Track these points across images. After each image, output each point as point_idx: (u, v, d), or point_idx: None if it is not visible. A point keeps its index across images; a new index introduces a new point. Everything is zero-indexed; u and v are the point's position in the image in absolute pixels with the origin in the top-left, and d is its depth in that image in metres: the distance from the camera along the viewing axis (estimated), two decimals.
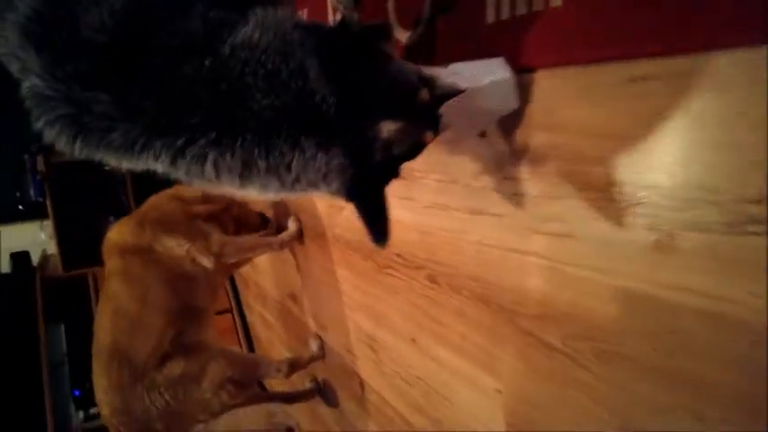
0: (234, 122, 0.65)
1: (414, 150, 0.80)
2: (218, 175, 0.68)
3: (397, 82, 0.75)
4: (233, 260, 1.89)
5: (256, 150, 0.66)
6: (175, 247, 1.74)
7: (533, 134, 0.89)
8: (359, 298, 1.66)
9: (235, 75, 0.64)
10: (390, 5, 1.12)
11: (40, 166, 2.94)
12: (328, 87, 0.68)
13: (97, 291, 3.23)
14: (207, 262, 1.77)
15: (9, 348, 3.10)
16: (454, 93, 0.79)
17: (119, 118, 0.64)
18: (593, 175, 0.80)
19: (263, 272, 2.69)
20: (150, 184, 2.40)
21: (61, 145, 0.69)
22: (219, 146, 0.65)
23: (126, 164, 0.71)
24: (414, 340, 1.37)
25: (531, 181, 0.91)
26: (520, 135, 0.91)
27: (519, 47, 0.86)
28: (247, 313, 3.25)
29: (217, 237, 1.82)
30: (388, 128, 0.73)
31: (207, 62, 0.64)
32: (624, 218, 0.77)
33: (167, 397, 1.58)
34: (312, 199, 1.90)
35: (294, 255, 2.18)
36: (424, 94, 0.76)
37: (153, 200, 1.93)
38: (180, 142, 0.65)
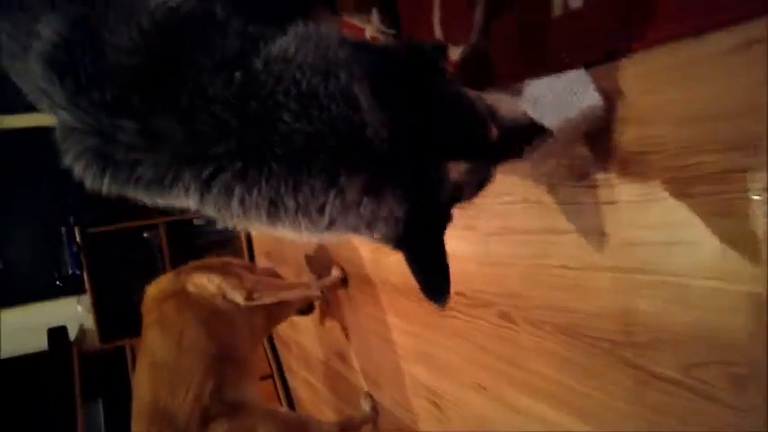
0: (261, 150, 0.56)
1: (477, 190, 0.72)
2: (245, 213, 0.60)
3: (468, 115, 0.66)
4: (267, 300, 1.78)
5: (282, 186, 0.58)
6: (206, 283, 1.68)
7: (622, 129, 0.78)
8: (414, 347, 1.52)
9: (266, 92, 0.56)
10: (436, 19, 1.05)
11: (77, 237, 2.94)
12: (382, 118, 0.57)
13: (135, 363, 3.14)
14: (239, 297, 1.69)
15: (46, 428, 3.00)
16: (531, 129, 0.71)
17: (145, 147, 0.58)
18: (701, 166, 0.68)
19: (305, 330, 2.56)
20: (188, 251, 2.37)
21: (90, 181, 0.63)
22: (245, 178, 0.57)
23: (160, 200, 0.64)
24: (483, 388, 1.22)
25: (623, 185, 0.79)
26: (604, 133, 0.80)
27: (597, 36, 0.76)
28: (289, 378, 3.09)
29: (251, 275, 1.78)
30: (457, 169, 0.65)
31: (237, 76, 0.57)
32: (744, 211, 0.64)
33: None
34: (353, 241, 1.80)
35: (338, 307, 2.06)
36: (493, 129, 0.67)
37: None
38: (206, 174, 0.57)
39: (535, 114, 0.72)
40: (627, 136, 0.77)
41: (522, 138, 0.71)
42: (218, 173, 0.57)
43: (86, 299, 3.19)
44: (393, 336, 1.64)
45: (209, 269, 1.73)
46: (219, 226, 0.66)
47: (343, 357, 2.12)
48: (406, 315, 1.53)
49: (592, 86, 0.77)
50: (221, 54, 0.58)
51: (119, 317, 3.20)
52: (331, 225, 0.61)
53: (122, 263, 3.27)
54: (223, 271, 1.73)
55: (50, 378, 3.11)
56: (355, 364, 2.00)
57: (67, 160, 0.62)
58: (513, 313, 1.09)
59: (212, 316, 1.66)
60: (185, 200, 0.61)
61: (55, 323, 3.34)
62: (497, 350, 1.15)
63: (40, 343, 3.29)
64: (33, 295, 3.51)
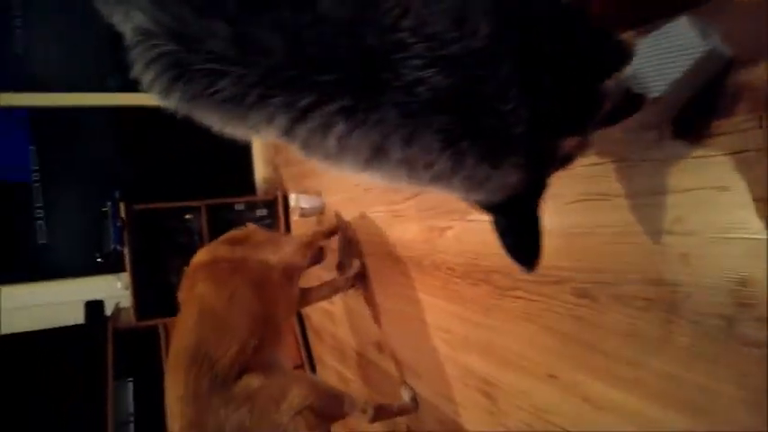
0: (378, 91, 0.50)
1: (575, 158, 0.71)
2: (339, 152, 0.54)
3: (599, 95, 0.65)
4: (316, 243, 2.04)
5: (393, 134, 0.52)
6: (270, 256, 1.83)
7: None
8: (467, 333, 1.42)
9: (387, 23, 0.49)
10: None
11: (122, 212, 2.93)
12: (524, 94, 0.54)
13: (168, 344, 3.12)
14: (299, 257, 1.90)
15: (75, 403, 2.99)
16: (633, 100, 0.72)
17: (233, 59, 0.50)
18: None
19: (340, 321, 2.48)
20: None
21: (158, 92, 0.56)
22: (352, 117, 0.51)
23: (231, 127, 0.58)
24: (552, 376, 1.11)
25: (746, 133, 0.68)
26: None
27: None
28: (319, 369, 3.01)
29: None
30: (570, 144, 0.66)
31: None
32: None
33: (243, 413, 1.44)
34: (404, 222, 1.71)
35: (377, 293, 1.97)
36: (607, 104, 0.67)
37: (234, 232, 1.98)
38: (305, 102, 0.51)
39: (639, 83, 0.71)
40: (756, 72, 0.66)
41: (626, 109, 0.72)
42: (321, 104, 0.50)
43: (125, 276, 3.19)
44: (442, 322, 1.54)
45: (265, 242, 1.88)
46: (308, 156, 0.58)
47: (380, 348, 2.03)
48: (461, 299, 1.43)
49: (706, 34, 0.66)
50: None
51: (155, 296, 3.19)
52: (433, 181, 0.57)
53: (162, 243, 3.26)
54: (275, 241, 1.91)
55: (84, 352, 3.11)
56: (394, 353, 1.90)
57: (136, 70, 0.56)
58: (592, 290, 0.98)
59: (264, 284, 1.75)
60: (264, 126, 0.55)
61: (95, 298, 3.35)
62: (572, 332, 1.04)
63: (77, 317, 3.30)
64: (74, 270, 3.54)
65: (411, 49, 0.48)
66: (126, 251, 3.03)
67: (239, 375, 1.50)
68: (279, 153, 3.29)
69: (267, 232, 2.04)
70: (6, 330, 3.22)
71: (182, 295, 1.75)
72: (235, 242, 1.87)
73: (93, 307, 3.21)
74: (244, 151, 3.83)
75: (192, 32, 0.51)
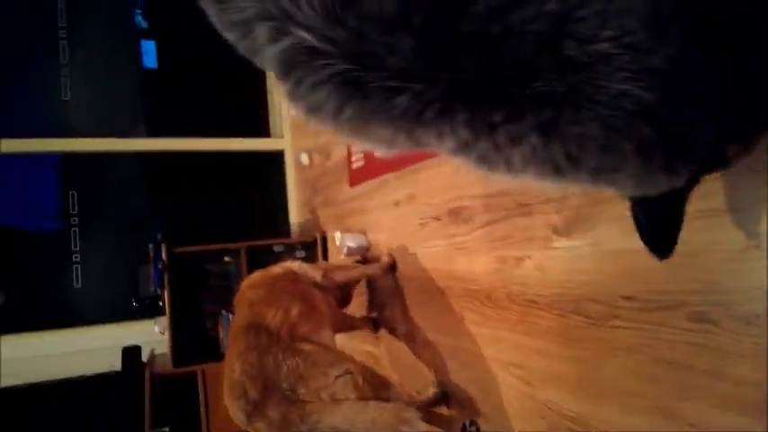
0: (578, 104, 0.48)
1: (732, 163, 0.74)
2: (525, 165, 0.53)
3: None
4: (338, 278, 2.16)
5: (592, 146, 0.50)
6: (290, 264, 2.11)
7: None
8: (549, 367, 1.35)
9: (586, 34, 0.47)
10: None
11: (164, 255, 2.92)
12: (716, 104, 0.54)
13: (206, 391, 3.04)
14: (318, 276, 2.06)
15: None
16: None
17: (415, 75, 0.49)
18: None
19: (394, 365, 2.40)
20: None
21: (326, 112, 0.56)
22: (549, 131, 0.49)
23: (399, 140, 0.57)
24: (667, 411, 1.04)
25: None
26: None
27: None
28: None
29: (321, 262, 2.28)
30: (734, 150, 0.68)
31: (550, 6, 0.47)
32: None
33: (299, 360, 1.61)
34: (469, 256, 1.67)
35: (441, 332, 1.90)
36: None
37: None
38: (495, 118, 0.49)
39: None
40: None
41: None
42: (513, 119, 0.49)
43: (162, 321, 3.15)
44: (516, 357, 1.48)
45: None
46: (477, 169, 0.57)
47: (446, 391, 1.94)
48: (539, 332, 1.38)
49: None
50: None
51: (192, 341, 3.15)
52: (597, 180, 0.56)
53: (200, 287, 3.24)
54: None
55: (121, 399, 3.04)
56: (459, 398, 1.82)
57: (300, 89, 0.55)
58: (712, 313, 0.93)
59: (297, 281, 2.01)
60: (436, 141, 0.54)
61: (129, 344, 3.31)
62: (688, 361, 0.98)
63: (112, 363, 3.24)
64: (110, 315, 3.51)
65: (614, 61, 0.46)
66: (165, 294, 3.00)
67: (292, 341, 1.70)
68: (316, 194, 3.30)
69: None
70: (43, 377, 3.17)
71: (235, 301, 2.02)
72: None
73: (131, 353, 3.15)
74: (280, 194, 3.86)
75: (371, 49, 0.50)
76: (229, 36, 0.70)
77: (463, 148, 0.53)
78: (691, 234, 0.94)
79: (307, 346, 1.69)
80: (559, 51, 0.47)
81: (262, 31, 0.57)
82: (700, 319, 0.95)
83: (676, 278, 0.99)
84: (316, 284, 2.05)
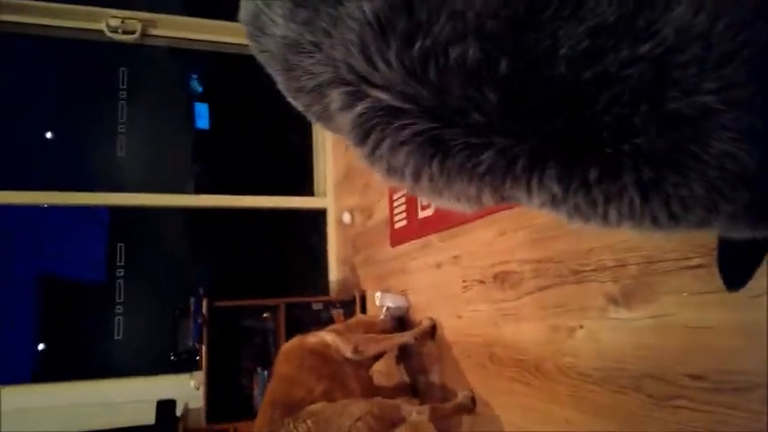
0: (683, 163, 0.44)
1: None
2: (621, 223, 0.49)
3: None
4: (369, 351, 2.16)
5: (696, 208, 0.46)
6: (325, 336, 2.12)
7: None
8: None
9: (689, 85, 0.42)
10: None
11: (204, 309, 2.95)
12: None
13: None
14: (348, 352, 2.07)
15: None
16: None
17: (501, 129, 0.47)
18: None
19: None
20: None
21: (406, 175, 0.54)
22: (652, 190, 0.46)
23: (484, 197, 0.54)
24: None
25: None
26: None
27: None
28: None
29: (353, 335, 2.18)
30: None
31: (645, 48, 0.43)
32: None
33: (310, 422, 1.64)
34: (516, 324, 1.62)
35: (492, 407, 1.83)
36: None
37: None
38: (593, 175, 0.46)
39: None
40: None
41: None
42: (611, 176, 0.46)
43: (198, 376, 3.14)
44: None
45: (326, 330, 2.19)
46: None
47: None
48: (594, 409, 1.30)
49: None
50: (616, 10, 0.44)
51: (227, 398, 3.11)
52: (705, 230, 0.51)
53: (238, 343, 3.24)
54: (335, 329, 2.20)
55: None
56: None
57: (380, 150, 0.54)
58: None
59: (329, 360, 2.04)
60: (525, 195, 0.51)
61: (164, 397, 3.30)
62: None
63: (147, 416, 3.23)
64: (147, 368, 3.53)
65: (719, 118, 0.42)
66: (203, 349, 3.01)
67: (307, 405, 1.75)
68: (357, 253, 3.31)
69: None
70: (78, 428, 3.17)
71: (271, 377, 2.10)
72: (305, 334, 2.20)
73: (166, 406, 3.13)
74: (321, 252, 3.89)
75: (453, 104, 0.48)
76: (298, 103, 0.70)
77: (554, 203, 0.50)
78: (761, 312, 0.90)
79: (314, 407, 1.73)
80: (662, 103, 0.42)
81: (335, 96, 0.56)
82: None
83: (749, 357, 0.93)
84: (347, 360, 2.07)
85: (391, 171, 0.55)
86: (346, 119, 0.55)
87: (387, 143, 0.52)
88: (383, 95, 0.50)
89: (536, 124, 0.46)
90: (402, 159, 0.53)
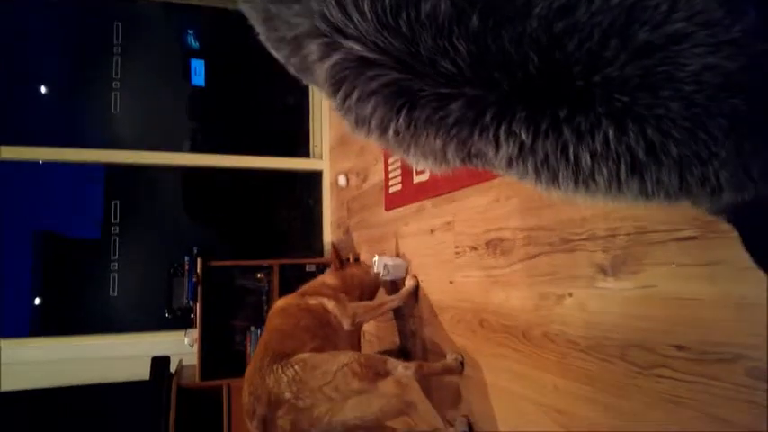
0: (656, 86, 0.44)
1: None
2: (595, 170, 0.48)
3: None
4: (366, 320, 2.29)
5: (675, 131, 0.45)
6: (326, 303, 2.16)
7: None
8: (592, 416, 1.28)
9: (658, 19, 0.44)
10: None
11: (198, 268, 2.96)
12: None
13: (231, 405, 3.03)
14: (346, 324, 2.14)
15: None
16: None
17: (470, 79, 0.47)
18: None
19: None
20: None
21: (375, 125, 0.55)
22: (625, 116, 0.45)
23: (450, 152, 0.54)
24: None
25: None
26: None
27: None
28: None
29: (351, 305, 2.21)
30: None
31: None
32: None
33: (297, 368, 1.72)
34: (506, 290, 1.62)
35: (476, 368, 1.85)
36: None
37: (305, 286, 2.34)
38: (563, 111, 0.46)
39: None
40: None
41: None
42: (583, 109, 0.45)
43: (192, 333, 3.17)
44: (556, 401, 1.41)
45: (325, 295, 2.21)
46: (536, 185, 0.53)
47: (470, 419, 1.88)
48: (581, 376, 1.31)
49: None
50: None
51: (221, 356, 3.16)
52: (706, 187, 0.48)
53: (232, 302, 3.26)
54: (335, 298, 2.20)
55: (147, 408, 3.05)
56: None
57: (349, 101, 0.55)
58: None
59: (324, 324, 2.10)
60: (491, 148, 0.51)
61: (159, 353, 3.34)
62: (744, 420, 0.91)
63: (141, 372, 3.28)
64: (142, 324, 3.57)
65: (692, 38, 0.43)
66: (197, 307, 3.03)
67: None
68: (351, 216, 3.30)
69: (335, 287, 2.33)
70: (72, 381, 3.23)
71: (267, 318, 2.19)
72: (303, 293, 2.25)
73: (160, 363, 3.18)
74: (315, 214, 3.88)
75: (424, 55, 0.48)
76: (279, 54, 0.70)
77: (522, 155, 0.49)
78: (750, 285, 0.89)
79: (302, 355, 1.79)
80: (631, 37, 0.44)
81: (312, 48, 0.57)
82: (759, 376, 0.88)
83: (734, 330, 0.93)
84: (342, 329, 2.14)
85: (359, 122, 0.56)
86: (321, 70, 0.56)
87: (356, 94, 0.53)
88: (356, 46, 0.51)
89: (505, 72, 0.46)
90: (369, 110, 0.53)
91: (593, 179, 0.48)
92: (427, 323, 2.19)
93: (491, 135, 0.49)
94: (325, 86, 0.57)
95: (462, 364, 1.90)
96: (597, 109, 0.45)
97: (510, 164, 0.51)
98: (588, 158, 0.47)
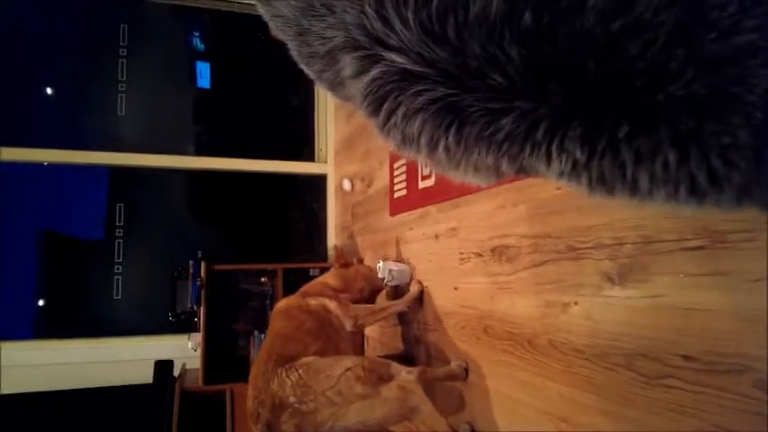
0: (725, 108, 0.40)
1: None
2: (653, 190, 0.44)
3: None
4: (368, 323, 2.29)
5: (743, 159, 0.41)
6: (328, 304, 2.17)
7: None
8: (597, 424, 1.28)
9: (726, 25, 0.39)
10: None
11: (202, 272, 2.96)
12: None
13: (234, 410, 3.03)
14: (348, 325, 2.16)
15: None
16: None
17: (521, 92, 0.44)
18: None
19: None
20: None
21: (420, 144, 0.52)
22: (689, 143, 0.41)
23: (501, 168, 0.51)
24: None
25: None
26: None
27: None
28: None
29: (353, 306, 2.22)
30: None
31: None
32: None
33: (301, 372, 1.73)
34: (511, 297, 1.62)
35: (481, 377, 1.85)
36: None
37: (306, 286, 2.36)
38: (623, 130, 0.42)
39: None
40: None
41: None
42: (644, 130, 0.42)
43: (196, 337, 3.18)
44: (560, 410, 1.41)
45: (327, 296, 2.21)
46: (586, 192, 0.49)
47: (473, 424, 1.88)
48: (586, 385, 1.31)
49: None
50: None
51: (224, 360, 3.16)
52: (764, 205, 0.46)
53: (235, 306, 3.27)
54: (337, 300, 2.21)
55: (150, 412, 3.05)
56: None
57: (394, 118, 0.52)
58: None
59: (326, 325, 2.11)
60: (543, 165, 0.48)
61: (162, 357, 3.35)
62: (741, 430, 0.91)
63: (144, 375, 3.28)
64: (145, 328, 3.57)
65: (763, 54, 0.38)
66: (201, 311, 3.03)
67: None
68: (356, 221, 3.30)
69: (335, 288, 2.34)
70: (75, 384, 3.22)
71: (269, 319, 2.20)
72: (304, 294, 2.25)
73: (163, 366, 3.18)
74: (320, 218, 3.88)
75: (473, 66, 0.45)
76: (311, 70, 0.67)
77: (576, 171, 0.47)
78: (758, 296, 0.89)
79: (306, 359, 1.81)
80: (698, 46, 0.39)
81: (348, 62, 0.54)
82: (766, 388, 0.88)
83: (742, 341, 0.92)
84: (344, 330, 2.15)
85: (406, 141, 0.53)
86: (359, 86, 0.53)
87: (401, 111, 0.51)
88: (399, 58, 0.48)
89: (560, 82, 0.43)
90: (417, 128, 0.51)
91: (651, 196, 0.45)
92: (431, 329, 2.19)
93: (543, 151, 0.47)
94: (365, 104, 0.54)
95: (467, 370, 1.89)
96: (661, 131, 0.41)
97: (562, 177, 0.49)
98: (647, 180, 0.44)
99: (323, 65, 0.61)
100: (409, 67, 0.47)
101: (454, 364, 1.93)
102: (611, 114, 0.42)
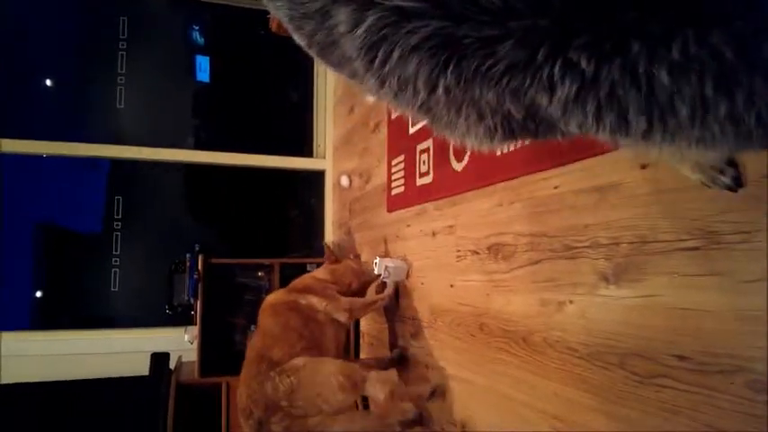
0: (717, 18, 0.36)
1: None
2: (673, 100, 0.39)
3: None
4: (360, 315, 2.46)
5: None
6: (316, 302, 2.22)
7: None
8: (592, 423, 1.28)
9: None
10: None
11: (200, 265, 2.96)
12: None
13: (229, 403, 3.03)
14: (343, 318, 2.25)
15: None
16: None
17: (518, 11, 0.41)
18: None
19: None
20: None
21: (417, 86, 0.50)
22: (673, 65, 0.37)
23: (505, 107, 0.48)
24: None
25: None
26: None
27: None
28: None
29: (344, 299, 2.29)
30: None
31: None
32: None
33: (293, 378, 1.85)
34: (507, 296, 1.62)
35: (470, 383, 1.85)
36: None
37: (296, 281, 2.42)
38: (607, 46, 0.39)
39: None
40: None
41: None
42: (648, 23, 0.37)
43: (192, 330, 3.18)
44: (555, 408, 1.41)
45: (316, 293, 2.27)
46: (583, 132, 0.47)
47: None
48: (581, 384, 1.31)
49: None
50: None
51: (220, 353, 3.16)
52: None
53: (232, 299, 3.26)
54: (326, 295, 2.27)
55: (146, 404, 3.06)
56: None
57: (389, 64, 0.50)
58: None
59: (312, 321, 2.19)
60: (546, 95, 0.44)
61: (159, 350, 3.35)
62: (734, 431, 0.91)
63: (140, 367, 3.29)
64: (142, 320, 3.58)
65: None
66: (198, 304, 3.03)
67: (289, 360, 1.94)
68: (353, 216, 3.30)
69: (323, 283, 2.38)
70: (71, 375, 3.23)
71: (258, 314, 2.26)
72: (293, 290, 2.31)
73: (159, 359, 3.18)
74: (317, 214, 3.88)
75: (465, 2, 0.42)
76: (302, 33, 0.65)
77: (582, 93, 0.42)
78: (753, 297, 0.89)
79: (300, 362, 1.93)
80: None
81: (341, 17, 0.53)
82: (759, 389, 0.88)
83: (736, 342, 0.93)
84: (334, 321, 2.24)
85: (403, 86, 0.51)
86: (353, 39, 0.51)
87: (396, 53, 0.49)
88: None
89: (549, 5, 0.40)
90: (413, 68, 0.49)
91: (673, 108, 0.40)
92: (427, 326, 2.19)
93: (545, 76, 0.43)
94: (360, 56, 0.52)
95: (434, 393, 2.08)
96: (671, 12, 0.37)
97: (566, 109, 0.45)
98: (666, 75, 0.38)
99: (315, 24, 0.59)
100: (402, 3, 0.45)
101: (427, 387, 2.11)
102: (623, 6, 0.39)
